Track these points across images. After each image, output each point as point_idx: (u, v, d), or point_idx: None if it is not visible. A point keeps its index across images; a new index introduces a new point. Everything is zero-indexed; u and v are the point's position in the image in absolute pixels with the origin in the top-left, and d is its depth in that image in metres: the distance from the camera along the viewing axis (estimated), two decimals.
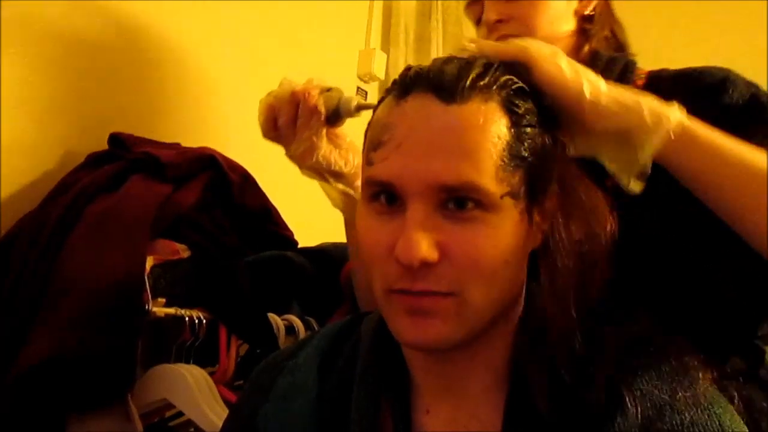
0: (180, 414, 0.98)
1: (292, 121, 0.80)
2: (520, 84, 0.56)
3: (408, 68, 0.56)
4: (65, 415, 0.84)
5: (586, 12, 0.95)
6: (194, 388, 0.90)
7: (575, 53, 0.92)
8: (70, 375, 0.82)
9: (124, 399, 0.88)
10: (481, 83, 0.53)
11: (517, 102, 0.54)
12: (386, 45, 1.92)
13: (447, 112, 0.51)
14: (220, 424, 0.75)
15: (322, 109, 0.79)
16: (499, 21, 0.89)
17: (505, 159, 0.51)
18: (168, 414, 0.99)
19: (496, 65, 0.56)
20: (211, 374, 0.96)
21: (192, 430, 1.01)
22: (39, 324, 0.85)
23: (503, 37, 0.87)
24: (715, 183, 0.64)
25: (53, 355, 0.81)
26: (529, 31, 0.88)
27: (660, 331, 0.57)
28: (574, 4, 0.94)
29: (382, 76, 1.83)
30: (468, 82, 0.52)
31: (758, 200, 0.62)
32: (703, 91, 0.79)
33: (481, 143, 0.51)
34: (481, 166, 0.50)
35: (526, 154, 0.53)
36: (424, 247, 0.49)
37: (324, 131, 0.81)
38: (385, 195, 0.53)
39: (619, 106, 0.62)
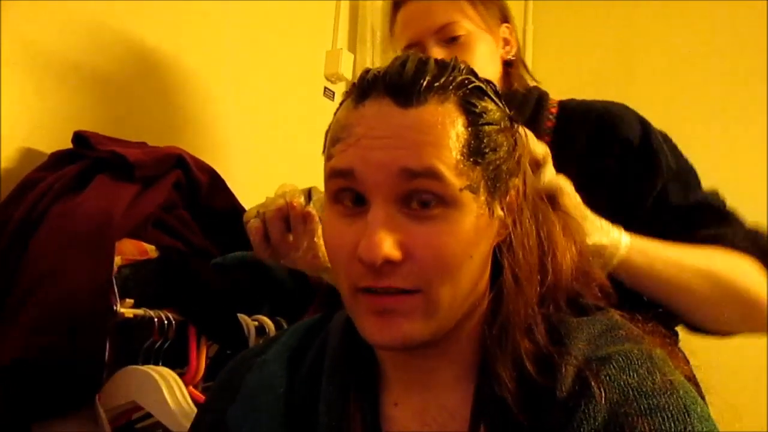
0: (147, 416, 0.96)
1: (284, 234, 0.84)
2: (477, 83, 0.57)
3: (366, 71, 0.57)
4: (32, 420, 0.83)
5: (509, 57, 1.07)
6: (163, 390, 0.89)
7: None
8: (36, 378, 0.81)
9: (93, 402, 0.87)
10: (437, 84, 0.54)
11: (473, 101, 0.55)
12: (353, 45, 1.92)
13: (404, 115, 0.52)
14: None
15: (315, 212, 0.83)
16: None
17: (463, 155, 0.53)
18: (135, 416, 0.98)
19: (452, 65, 0.57)
20: (180, 375, 0.94)
21: (160, 431, 1.00)
22: (3, 327, 0.83)
23: None
24: (658, 290, 0.81)
25: (19, 359, 0.80)
26: None
27: (627, 320, 0.59)
28: (500, 51, 1.06)
29: (349, 76, 1.84)
30: (424, 85, 0.53)
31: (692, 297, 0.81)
32: (606, 125, 0.96)
33: (440, 140, 0.52)
34: (441, 158, 0.51)
35: (486, 151, 0.54)
36: (387, 246, 0.50)
37: (320, 231, 0.84)
38: (349, 195, 0.54)
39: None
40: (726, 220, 0.91)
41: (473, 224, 0.53)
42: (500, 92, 0.95)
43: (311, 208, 0.83)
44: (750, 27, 2.09)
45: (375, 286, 0.52)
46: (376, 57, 1.91)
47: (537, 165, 0.74)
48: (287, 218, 0.84)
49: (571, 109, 1.01)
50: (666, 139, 0.97)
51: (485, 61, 1.01)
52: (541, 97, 1.04)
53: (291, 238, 0.84)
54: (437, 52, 0.98)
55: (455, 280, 0.52)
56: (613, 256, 0.78)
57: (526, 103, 1.02)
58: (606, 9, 2.23)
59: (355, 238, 0.52)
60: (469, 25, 1.00)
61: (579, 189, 0.83)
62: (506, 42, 1.07)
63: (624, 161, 0.93)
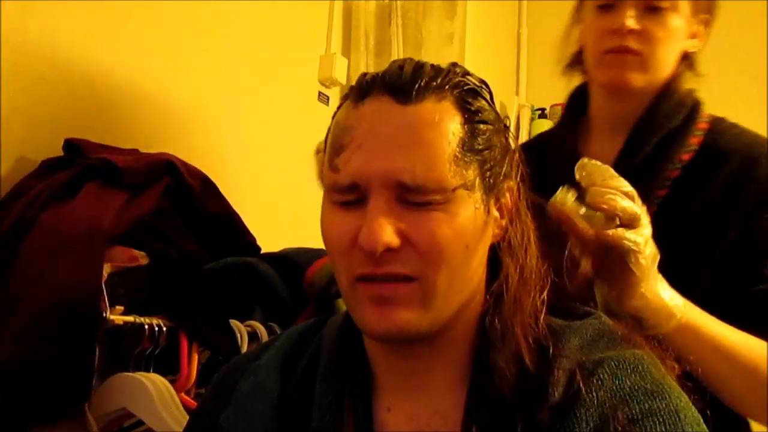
0: (139, 424, 0.96)
1: None
2: (472, 85, 0.59)
3: (364, 74, 0.59)
4: (20, 426, 0.82)
5: (690, 51, 0.96)
6: (155, 397, 0.89)
7: (657, 92, 0.94)
8: (24, 385, 0.81)
9: (82, 409, 0.86)
10: (434, 84, 0.56)
11: (469, 100, 0.57)
12: (347, 49, 1.92)
13: (403, 111, 0.54)
14: None
15: None
16: (632, 31, 0.89)
17: (458, 153, 0.54)
18: (126, 423, 0.97)
19: (447, 69, 0.58)
20: (171, 383, 0.94)
21: None
22: None
23: (622, 49, 0.89)
24: (707, 370, 0.73)
25: (7, 365, 0.79)
26: (648, 55, 0.90)
27: (619, 325, 0.60)
28: (686, 42, 0.94)
29: (343, 81, 1.84)
30: (423, 83, 0.55)
31: (742, 387, 0.76)
32: (748, 173, 0.88)
33: (437, 140, 0.54)
34: (437, 162, 0.53)
35: (480, 148, 0.56)
36: (387, 234, 0.51)
37: None
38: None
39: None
40: None
41: (469, 217, 0.54)
42: (664, 88, 0.91)
43: None
44: (750, 27, 2.09)
45: (374, 272, 0.53)
46: (370, 61, 1.91)
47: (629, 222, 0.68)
48: None
49: (719, 132, 0.94)
50: None
51: (671, 45, 0.91)
52: (695, 107, 0.95)
53: None
54: (631, 19, 0.88)
55: (451, 268, 0.53)
56: (669, 321, 0.72)
57: (679, 109, 0.94)
58: None
59: (355, 227, 0.53)
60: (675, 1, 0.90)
61: (693, 227, 0.85)
62: (694, 35, 0.95)
63: (751, 216, 0.86)
